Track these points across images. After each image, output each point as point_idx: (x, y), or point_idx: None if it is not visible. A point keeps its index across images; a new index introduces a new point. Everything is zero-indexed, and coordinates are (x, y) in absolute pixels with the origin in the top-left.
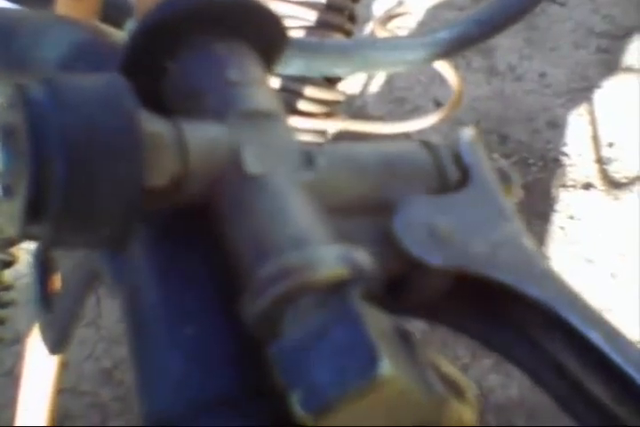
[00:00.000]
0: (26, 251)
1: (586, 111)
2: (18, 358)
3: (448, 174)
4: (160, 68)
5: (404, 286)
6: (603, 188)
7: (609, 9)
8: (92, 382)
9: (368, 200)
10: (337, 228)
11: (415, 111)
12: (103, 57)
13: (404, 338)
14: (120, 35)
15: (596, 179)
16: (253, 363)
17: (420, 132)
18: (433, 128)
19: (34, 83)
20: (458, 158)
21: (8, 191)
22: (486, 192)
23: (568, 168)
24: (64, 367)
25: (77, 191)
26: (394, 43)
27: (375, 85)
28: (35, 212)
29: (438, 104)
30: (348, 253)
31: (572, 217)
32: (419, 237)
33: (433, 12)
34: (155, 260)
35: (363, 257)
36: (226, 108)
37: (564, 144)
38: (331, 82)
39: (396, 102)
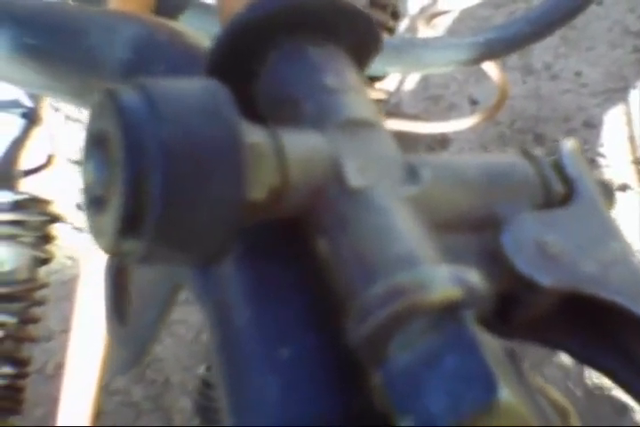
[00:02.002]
0: (59, 248)
1: (622, 111)
2: (50, 355)
3: (553, 188)
4: (249, 72)
5: (509, 305)
6: (639, 189)
7: None
8: (123, 380)
9: (473, 215)
10: (442, 245)
11: (450, 109)
12: (182, 59)
13: (514, 361)
14: (197, 35)
15: (632, 180)
16: (354, 388)
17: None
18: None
19: (126, 88)
20: (561, 171)
21: (98, 203)
22: (592, 207)
23: (604, 169)
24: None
25: (176, 206)
26: (445, 42)
27: (410, 83)
28: (129, 226)
29: (474, 102)
30: (460, 274)
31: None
32: (529, 255)
33: (469, 10)
34: (246, 276)
35: (475, 278)
36: (324, 116)
37: (601, 144)
38: (372, 80)
39: (431, 100)
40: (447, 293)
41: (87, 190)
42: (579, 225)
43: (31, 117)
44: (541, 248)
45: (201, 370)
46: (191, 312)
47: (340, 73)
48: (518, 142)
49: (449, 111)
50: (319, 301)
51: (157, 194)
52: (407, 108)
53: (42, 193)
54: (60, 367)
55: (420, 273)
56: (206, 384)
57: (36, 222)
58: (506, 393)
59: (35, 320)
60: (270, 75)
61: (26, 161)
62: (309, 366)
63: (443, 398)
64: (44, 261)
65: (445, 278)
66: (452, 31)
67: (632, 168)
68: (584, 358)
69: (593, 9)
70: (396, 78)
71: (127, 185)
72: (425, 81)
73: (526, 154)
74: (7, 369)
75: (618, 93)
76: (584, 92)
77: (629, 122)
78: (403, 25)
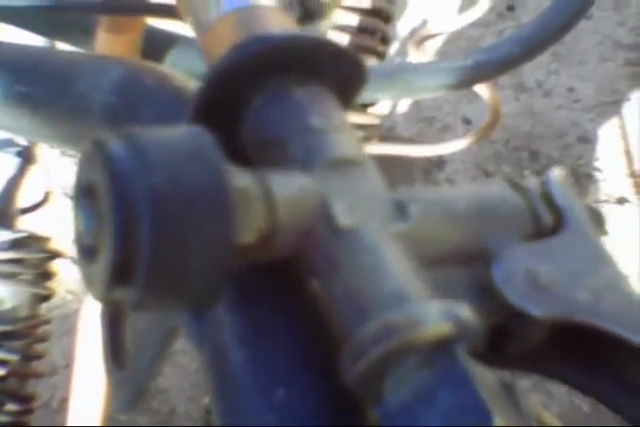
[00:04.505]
0: (59, 283)
1: (616, 125)
2: (54, 389)
3: (542, 218)
4: (235, 115)
5: (502, 337)
6: (637, 202)
7: (635, 21)
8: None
9: (463, 249)
10: (433, 280)
11: (444, 130)
12: (169, 103)
13: (509, 392)
14: (183, 78)
15: (629, 193)
16: (352, 425)
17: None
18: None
19: (112, 137)
20: (549, 200)
21: (89, 252)
22: (582, 236)
23: (601, 183)
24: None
25: (165, 254)
26: (437, 67)
27: (403, 106)
28: (120, 275)
29: (467, 122)
30: (451, 309)
31: (606, 233)
32: (519, 286)
33: (459, 30)
34: (239, 319)
35: (466, 312)
36: (311, 157)
37: (596, 159)
38: (364, 106)
39: (424, 122)
40: (438, 329)
41: (78, 240)
42: (569, 254)
43: (26, 156)
44: (532, 279)
45: (206, 399)
46: None
47: (325, 113)
48: (514, 160)
49: (443, 132)
50: (313, 341)
51: (146, 243)
52: (401, 130)
53: (40, 230)
54: (65, 402)
55: (411, 310)
56: (211, 413)
57: (35, 260)
58: (501, 425)
59: (38, 356)
60: (256, 117)
61: (23, 199)
62: (305, 407)
63: None
64: (45, 298)
65: (436, 314)
66: (443, 53)
67: (629, 181)
68: (581, 387)
69: (582, 24)
70: (388, 102)
71: (116, 235)
72: (418, 103)
73: (515, 185)
74: (12, 406)
75: (611, 107)
76: (577, 108)
77: (624, 135)
78: (393, 48)
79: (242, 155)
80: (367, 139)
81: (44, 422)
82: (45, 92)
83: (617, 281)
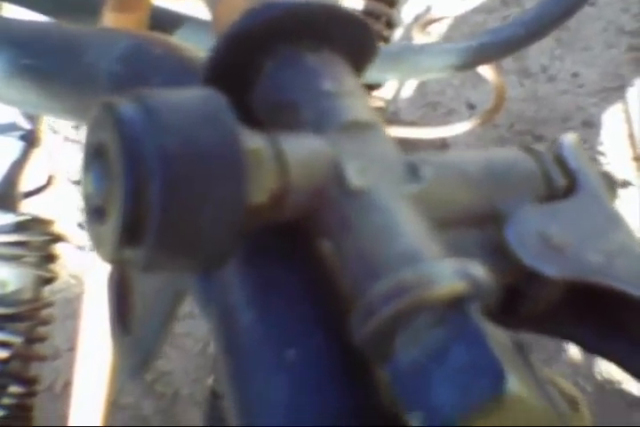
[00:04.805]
0: (63, 267)
1: (620, 110)
2: (57, 373)
3: (555, 181)
4: (247, 80)
5: (516, 298)
6: None
7: (639, 7)
8: (133, 394)
9: (476, 211)
10: (445, 240)
11: (449, 115)
12: (177, 70)
13: (522, 352)
14: (191, 48)
15: (633, 177)
16: (363, 387)
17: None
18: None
19: (123, 100)
20: (562, 164)
21: (98, 213)
22: (595, 199)
23: (605, 167)
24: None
25: (177, 214)
26: (442, 47)
27: (408, 90)
28: (129, 235)
29: (471, 107)
30: (464, 268)
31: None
32: (533, 247)
33: (462, 15)
34: (250, 279)
35: (479, 271)
36: (323, 120)
37: (600, 143)
38: (369, 88)
39: (428, 106)
40: (452, 287)
41: (87, 201)
42: (582, 216)
43: (30, 140)
44: (545, 240)
45: (210, 381)
46: (197, 325)
47: (337, 77)
48: (518, 145)
49: (447, 117)
50: (324, 301)
51: (157, 202)
52: (405, 115)
53: (43, 213)
54: (68, 385)
55: (424, 268)
56: (215, 395)
57: (38, 242)
58: (514, 383)
59: (41, 339)
60: (268, 82)
61: (26, 183)
62: (316, 367)
63: (451, 392)
64: (48, 281)
65: (449, 273)
66: (447, 37)
67: (633, 165)
68: (594, 349)
69: (586, 10)
70: (393, 86)
71: (126, 195)
72: (422, 88)
73: (527, 149)
74: (15, 388)
75: (615, 92)
76: (581, 93)
77: (628, 120)
78: (398, 34)
79: (254, 120)
80: None
81: (48, 406)
82: (52, 65)
83: (630, 244)
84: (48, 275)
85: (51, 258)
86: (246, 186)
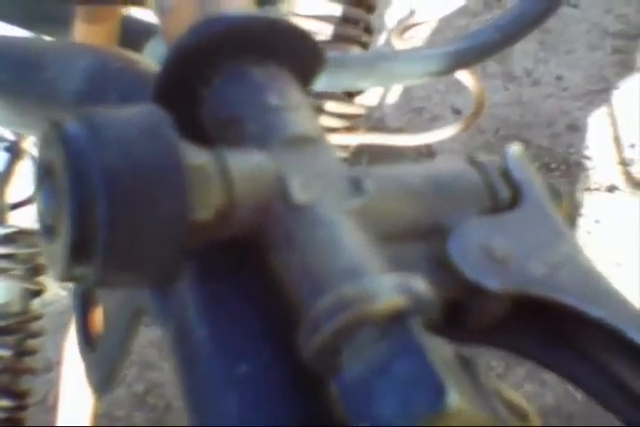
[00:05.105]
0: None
1: (605, 113)
2: (50, 386)
3: (499, 193)
4: (195, 95)
5: (460, 311)
6: (627, 189)
7: (622, 8)
8: (125, 406)
9: (419, 224)
10: (389, 255)
11: (434, 120)
12: (134, 85)
13: (466, 366)
14: (150, 62)
15: (619, 181)
16: (313, 400)
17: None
18: (452, 136)
19: (70, 118)
20: (507, 176)
21: (49, 232)
22: (540, 210)
23: (591, 171)
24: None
25: (123, 231)
26: (416, 54)
27: (393, 96)
28: (78, 253)
29: (457, 112)
30: (405, 282)
31: (597, 221)
32: (475, 260)
33: (446, 20)
34: (202, 295)
35: (420, 285)
36: (268, 134)
37: (586, 147)
38: (350, 96)
39: (414, 112)
40: (392, 301)
41: (40, 220)
42: (526, 228)
43: (15, 151)
44: (488, 253)
45: None
46: None
47: (282, 91)
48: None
49: (432, 122)
50: (274, 316)
51: (103, 220)
52: (391, 121)
53: (30, 225)
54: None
55: (365, 283)
56: None
57: (25, 255)
58: (455, 397)
59: (31, 352)
60: (214, 97)
61: (12, 194)
62: (266, 382)
63: (393, 405)
64: (37, 293)
65: (389, 287)
66: (431, 42)
67: (619, 169)
68: (541, 361)
69: (569, 12)
70: (378, 93)
71: (73, 212)
72: (407, 94)
73: (472, 161)
74: (5, 402)
75: (600, 95)
76: (566, 96)
77: (613, 123)
78: (381, 40)
79: (205, 137)
80: (352, 129)
81: (40, 418)
82: (14, 80)
83: (574, 255)
84: (36, 287)
85: (38, 270)
86: (189, 201)
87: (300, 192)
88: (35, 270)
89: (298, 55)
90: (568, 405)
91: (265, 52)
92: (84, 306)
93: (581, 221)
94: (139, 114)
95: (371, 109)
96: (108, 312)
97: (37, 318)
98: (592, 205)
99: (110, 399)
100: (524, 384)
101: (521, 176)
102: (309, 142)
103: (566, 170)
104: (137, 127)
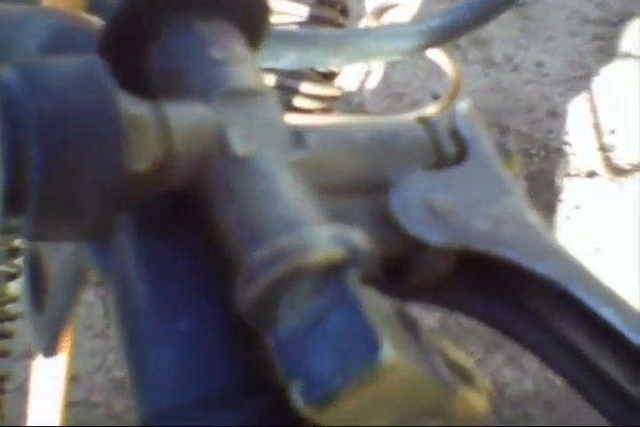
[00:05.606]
0: None
1: (585, 99)
2: (29, 372)
3: (445, 149)
4: (141, 50)
5: (404, 267)
6: (607, 175)
7: None
8: (104, 392)
9: (362, 179)
10: (331, 208)
11: (414, 106)
12: (83, 43)
13: (408, 323)
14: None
15: (599, 167)
16: (251, 355)
17: None
18: None
19: (8, 67)
20: (455, 132)
21: None
22: (486, 166)
23: (571, 157)
24: (75, 380)
25: (57, 180)
26: (388, 31)
27: (373, 81)
28: (13, 204)
29: (437, 98)
30: (342, 234)
31: (577, 206)
32: (417, 214)
33: (426, 5)
34: (140, 250)
35: (358, 237)
36: (210, 87)
37: (566, 133)
38: (327, 77)
39: (394, 98)
40: (328, 253)
41: None
42: (470, 183)
43: None
44: (430, 207)
45: None
46: None
47: (226, 45)
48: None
49: (412, 108)
50: (214, 272)
51: (37, 167)
52: (371, 106)
53: None
54: None
55: (302, 235)
56: None
57: (0, 237)
58: (389, 351)
59: (7, 335)
60: (160, 51)
61: None
62: (204, 338)
63: (328, 360)
64: (13, 276)
65: (326, 239)
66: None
67: (598, 155)
68: (485, 318)
69: None
70: (358, 77)
71: (6, 162)
72: (387, 79)
73: (420, 118)
74: None
75: (580, 82)
76: (546, 82)
77: (593, 109)
78: (361, 25)
79: (151, 93)
80: (327, 110)
81: (19, 404)
82: None
83: (518, 211)
84: (12, 270)
85: (14, 252)
86: (125, 151)
87: (240, 144)
88: (10, 253)
89: (245, 13)
90: (548, 391)
91: (212, 7)
92: (33, 267)
93: (561, 207)
94: (77, 64)
95: (350, 94)
96: (54, 273)
97: (13, 300)
98: (572, 190)
99: (89, 385)
100: (504, 369)
101: (468, 133)
102: (252, 96)
103: (546, 156)
104: (74, 76)
